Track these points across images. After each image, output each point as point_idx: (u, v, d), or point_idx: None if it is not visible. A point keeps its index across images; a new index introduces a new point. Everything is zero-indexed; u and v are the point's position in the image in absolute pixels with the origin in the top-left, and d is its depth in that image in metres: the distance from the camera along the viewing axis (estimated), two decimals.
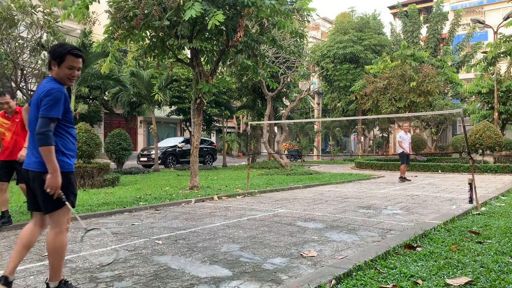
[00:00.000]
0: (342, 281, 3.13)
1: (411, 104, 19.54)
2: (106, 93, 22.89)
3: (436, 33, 29.17)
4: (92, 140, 10.71)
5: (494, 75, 20.05)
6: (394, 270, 3.35)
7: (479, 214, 6.22)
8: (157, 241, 4.68)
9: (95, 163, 10.87)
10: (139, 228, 5.46)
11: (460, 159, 20.11)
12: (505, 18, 17.61)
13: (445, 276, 3.19)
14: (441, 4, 29.61)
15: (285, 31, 12.47)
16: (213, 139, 35.16)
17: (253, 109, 23.85)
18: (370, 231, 5.23)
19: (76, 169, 9.42)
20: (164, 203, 7.49)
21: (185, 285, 3.23)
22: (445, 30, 29.65)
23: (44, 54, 13.23)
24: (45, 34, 12.85)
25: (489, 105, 22.10)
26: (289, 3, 10.12)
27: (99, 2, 8.23)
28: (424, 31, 30.34)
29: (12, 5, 11.65)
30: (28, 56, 12.93)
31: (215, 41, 9.75)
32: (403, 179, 12.85)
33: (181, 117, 21.47)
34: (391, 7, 39.15)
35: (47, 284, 2.91)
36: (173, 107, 20.97)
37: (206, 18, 8.32)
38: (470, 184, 7.23)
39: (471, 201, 7.28)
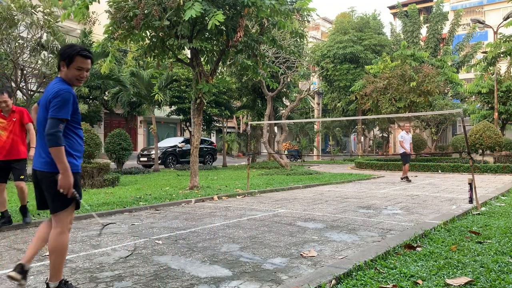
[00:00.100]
0: (342, 281, 3.14)
1: (411, 104, 19.54)
2: (106, 93, 22.90)
3: (436, 33, 29.17)
4: (92, 140, 10.72)
5: (494, 75, 20.06)
6: (394, 270, 3.35)
7: (479, 214, 6.22)
8: (157, 241, 4.68)
9: (95, 163, 10.87)
10: (139, 228, 5.46)
11: (460, 159, 20.12)
12: (505, 18, 17.61)
13: (445, 276, 3.19)
14: (441, 4, 29.62)
15: (285, 31, 12.47)
16: (213, 139, 35.17)
17: (253, 109, 23.86)
18: (370, 231, 5.23)
19: None
20: (164, 203, 7.49)
21: (185, 285, 3.23)
22: (445, 30, 29.66)
23: (44, 54, 13.23)
24: (45, 34, 12.84)
25: (489, 105, 22.10)
26: (289, 3, 10.12)
27: (99, 2, 8.23)
28: (424, 31, 30.35)
29: (12, 5, 11.64)
30: (28, 56, 12.92)
31: (215, 41, 9.75)
32: (407, 179, 12.85)
33: (181, 117, 21.48)
34: (391, 7, 39.17)
35: (47, 284, 2.91)
36: (173, 107, 20.98)
37: (206, 18, 8.32)
38: (470, 184, 7.23)
39: (471, 201, 7.29)
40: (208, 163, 21.84)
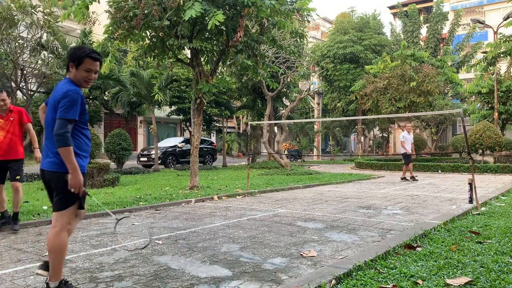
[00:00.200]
0: (342, 281, 3.13)
1: (411, 104, 19.54)
2: (106, 93, 22.90)
3: (436, 33, 29.18)
4: (92, 140, 10.73)
5: (494, 75, 20.06)
6: (394, 270, 3.35)
7: (479, 214, 6.22)
8: (157, 241, 4.68)
9: (95, 163, 10.88)
10: (139, 228, 5.46)
11: (460, 159, 20.11)
12: (505, 18, 17.61)
13: (445, 276, 3.19)
14: (441, 4, 29.63)
15: (285, 31, 12.47)
16: (213, 139, 35.16)
17: (253, 109, 23.86)
18: (370, 231, 5.23)
19: None
20: (164, 203, 7.49)
21: (185, 285, 3.23)
22: (445, 30, 29.66)
23: (44, 54, 13.24)
24: (45, 34, 12.85)
25: (489, 105, 22.11)
26: (289, 3, 10.12)
27: (99, 2, 8.23)
28: (424, 31, 30.36)
29: (12, 5, 11.65)
30: (28, 56, 12.93)
31: (215, 41, 9.75)
32: (412, 178, 12.86)
33: (181, 117, 21.47)
34: (391, 7, 39.17)
35: (47, 284, 2.92)
36: (173, 107, 20.97)
37: (206, 18, 8.32)
38: (470, 184, 7.23)
39: (471, 201, 7.28)
40: (208, 163, 21.84)
